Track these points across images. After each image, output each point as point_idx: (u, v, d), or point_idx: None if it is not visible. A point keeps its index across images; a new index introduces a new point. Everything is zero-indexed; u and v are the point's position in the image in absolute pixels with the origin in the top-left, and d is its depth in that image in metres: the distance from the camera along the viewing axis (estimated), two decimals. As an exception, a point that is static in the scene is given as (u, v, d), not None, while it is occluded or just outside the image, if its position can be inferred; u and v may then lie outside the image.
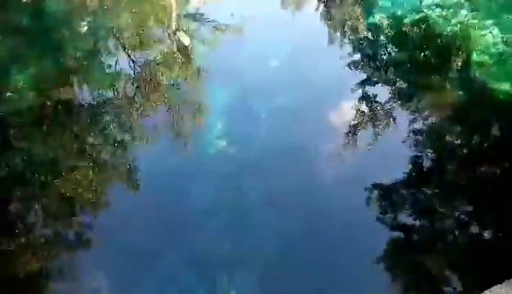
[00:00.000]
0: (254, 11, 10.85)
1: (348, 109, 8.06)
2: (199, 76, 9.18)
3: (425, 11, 10.19)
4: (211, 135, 7.65)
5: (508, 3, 10.04)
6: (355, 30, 10.55)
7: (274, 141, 7.47)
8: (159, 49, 9.98)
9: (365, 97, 8.38)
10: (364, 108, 8.14)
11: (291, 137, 7.48)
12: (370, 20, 10.49)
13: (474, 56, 8.57)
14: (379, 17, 10.45)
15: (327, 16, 11.39)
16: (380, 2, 11.04)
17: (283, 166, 6.91)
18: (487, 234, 5.96)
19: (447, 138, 7.34)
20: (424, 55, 9.12)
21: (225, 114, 8.10)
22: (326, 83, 8.53)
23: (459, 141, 7.35)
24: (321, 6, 11.80)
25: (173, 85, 8.91)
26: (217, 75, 9.01)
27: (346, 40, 10.28)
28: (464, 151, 7.27)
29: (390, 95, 8.24)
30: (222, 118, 7.99)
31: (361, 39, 10.21)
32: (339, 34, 10.56)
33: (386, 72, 9.00)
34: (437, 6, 10.29)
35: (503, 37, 8.91)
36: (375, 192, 6.48)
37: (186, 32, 10.81)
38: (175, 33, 10.79)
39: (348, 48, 9.84)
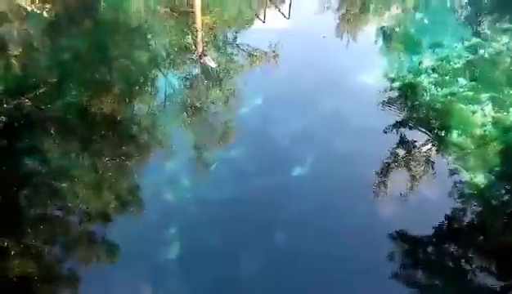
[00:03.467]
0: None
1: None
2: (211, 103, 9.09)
3: (420, 74, 9.40)
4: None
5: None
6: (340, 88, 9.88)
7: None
8: (183, 70, 10.09)
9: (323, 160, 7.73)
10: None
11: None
12: (363, 78, 9.79)
13: (454, 136, 7.67)
14: (374, 76, 9.75)
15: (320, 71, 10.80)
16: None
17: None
18: None
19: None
20: (407, 126, 8.30)
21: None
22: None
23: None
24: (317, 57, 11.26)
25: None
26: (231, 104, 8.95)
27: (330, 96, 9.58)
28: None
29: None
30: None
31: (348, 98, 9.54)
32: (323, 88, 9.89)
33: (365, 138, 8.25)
34: (434, 70, 9.45)
35: (494, 117, 7.95)
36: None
37: (214, 56, 10.97)
38: (201, 57, 10.98)
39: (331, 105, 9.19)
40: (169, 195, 7.00)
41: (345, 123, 8.43)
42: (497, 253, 6.09)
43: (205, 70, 10.02)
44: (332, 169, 7.40)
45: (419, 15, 12.36)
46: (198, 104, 9.05)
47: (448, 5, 12.67)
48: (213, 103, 9.10)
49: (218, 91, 9.46)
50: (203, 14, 12.54)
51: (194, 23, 12.53)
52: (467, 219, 6.52)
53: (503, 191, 6.90)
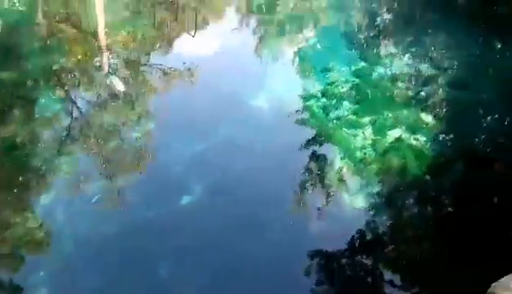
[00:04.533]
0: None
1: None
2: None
3: (311, 99, 9.78)
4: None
5: (391, 97, 9.70)
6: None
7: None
8: (87, 92, 9.84)
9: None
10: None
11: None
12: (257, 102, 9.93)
13: (336, 161, 8.04)
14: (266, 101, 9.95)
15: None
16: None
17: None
18: None
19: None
20: (296, 151, 8.50)
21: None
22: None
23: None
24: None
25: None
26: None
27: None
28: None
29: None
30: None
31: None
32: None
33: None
34: (324, 94, 9.88)
35: (373, 139, 8.45)
36: None
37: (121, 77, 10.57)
38: (107, 77, 10.57)
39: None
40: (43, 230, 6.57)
41: (238, 148, 8.49)
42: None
43: (111, 92, 9.77)
44: (225, 194, 7.41)
45: (314, 41, 12.94)
46: (94, 129, 8.76)
47: (341, 31, 13.46)
48: (111, 127, 8.81)
49: (124, 114, 9.24)
50: (110, 34, 12.33)
51: (99, 42, 12.23)
52: (345, 241, 6.77)
53: (380, 212, 7.26)
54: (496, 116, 9.21)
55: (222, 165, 7.97)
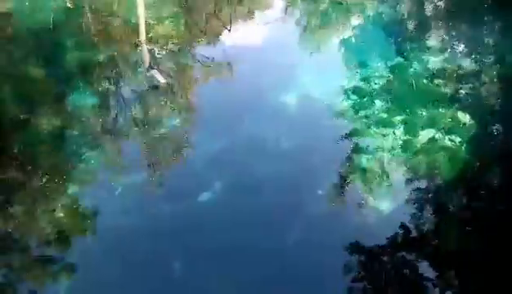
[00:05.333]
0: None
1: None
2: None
3: (341, 96, 9.53)
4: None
5: (427, 95, 9.24)
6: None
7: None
8: (128, 84, 10.14)
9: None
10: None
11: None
12: (286, 98, 9.81)
13: (363, 162, 7.80)
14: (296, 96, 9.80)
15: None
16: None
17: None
18: None
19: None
20: (321, 151, 8.32)
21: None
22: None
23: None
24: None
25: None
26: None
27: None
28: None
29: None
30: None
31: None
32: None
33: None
34: (355, 92, 9.59)
35: (404, 140, 8.12)
36: None
37: (162, 70, 10.90)
38: (148, 71, 10.92)
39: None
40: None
41: (267, 141, 8.48)
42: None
43: (152, 84, 10.01)
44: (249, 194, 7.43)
45: (352, 33, 12.55)
46: (134, 120, 8.99)
47: (381, 23, 12.94)
48: (148, 118, 9.03)
49: (164, 107, 9.44)
50: (151, 27, 12.56)
51: (141, 35, 12.50)
52: (370, 249, 6.59)
53: (408, 218, 7.00)
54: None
55: (248, 159, 8.04)
